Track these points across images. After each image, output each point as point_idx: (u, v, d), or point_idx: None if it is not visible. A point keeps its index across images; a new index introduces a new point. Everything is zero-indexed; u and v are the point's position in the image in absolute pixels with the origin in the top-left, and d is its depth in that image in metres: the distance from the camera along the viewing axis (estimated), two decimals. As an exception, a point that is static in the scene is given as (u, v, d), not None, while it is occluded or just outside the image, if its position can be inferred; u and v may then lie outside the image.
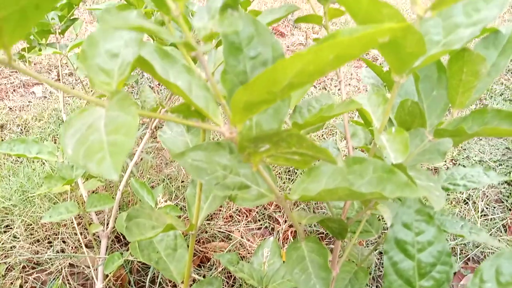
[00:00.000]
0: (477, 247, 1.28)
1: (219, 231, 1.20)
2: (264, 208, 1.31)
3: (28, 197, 1.14)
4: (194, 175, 0.42)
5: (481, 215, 1.42)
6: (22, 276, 0.96)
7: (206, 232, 1.20)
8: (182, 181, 1.29)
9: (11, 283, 0.95)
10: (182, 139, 0.66)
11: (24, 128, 1.55)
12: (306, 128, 0.55)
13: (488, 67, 0.46)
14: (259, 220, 1.27)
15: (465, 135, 0.42)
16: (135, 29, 0.24)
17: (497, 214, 1.45)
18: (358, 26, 0.28)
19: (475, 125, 0.43)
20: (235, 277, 1.09)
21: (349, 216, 0.63)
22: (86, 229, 1.08)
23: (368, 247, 1.21)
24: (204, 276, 1.07)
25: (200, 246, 1.16)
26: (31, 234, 1.05)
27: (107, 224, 0.98)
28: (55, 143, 1.48)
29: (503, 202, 1.54)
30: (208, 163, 0.43)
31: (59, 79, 2.12)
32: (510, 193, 1.55)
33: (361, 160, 0.41)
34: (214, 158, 0.44)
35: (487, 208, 1.47)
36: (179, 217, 1.17)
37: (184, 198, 1.26)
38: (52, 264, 0.99)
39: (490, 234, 1.34)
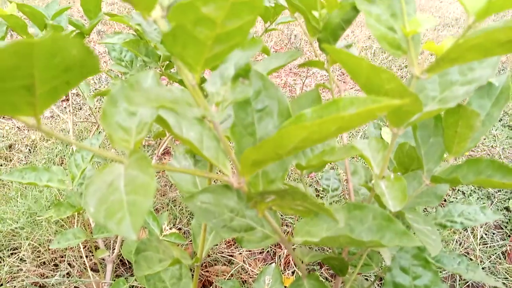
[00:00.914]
0: (478, 274, 1.29)
1: (222, 255, 1.21)
2: (266, 232, 1.32)
3: (35, 220, 1.16)
4: (202, 219, 0.44)
5: (480, 242, 1.43)
6: (27, 299, 0.98)
7: (209, 255, 1.21)
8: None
9: (16, 305, 0.97)
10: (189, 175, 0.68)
11: (32, 148, 1.57)
12: (309, 169, 0.57)
13: (483, 116, 0.49)
14: (261, 245, 1.28)
15: (459, 183, 0.44)
16: (156, 108, 0.27)
17: (497, 241, 1.46)
18: (359, 97, 0.31)
19: (470, 174, 0.45)
20: (237, 302, 1.10)
21: (350, 251, 0.65)
22: (92, 252, 1.10)
23: (368, 273, 1.22)
24: (206, 301, 1.08)
25: (202, 270, 1.17)
26: (38, 257, 1.07)
27: (113, 249, 1.00)
28: (62, 164, 1.51)
29: (502, 229, 1.55)
30: (216, 206, 0.45)
31: (67, 99, 2.16)
32: (509, 219, 1.56)
33: (361, 206, 0.43)
34: (222, 201, 0.46)
35: (486, 235, 1.48)
36: (180, 244, 1.18)
37: (188, 222, 1.28)
38: None
39: (490, 262, 1.35)
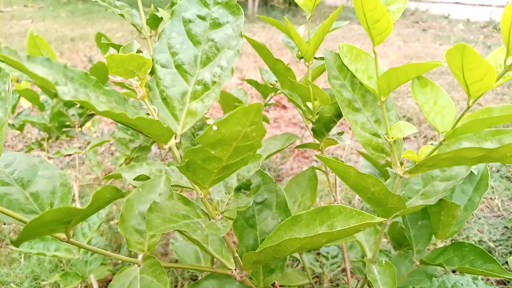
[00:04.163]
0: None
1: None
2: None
3: (38, 283, 1.17)
4: (208, 305, 0.47)
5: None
6: None
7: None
8: (188, 265, 1.32)
9: None
10: (192, 247, 0.71)
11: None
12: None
13: (465, 201, 0.53)
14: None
15: (445, 267, 0.48)
16: (178, 229, 0.31)
17: (500, 300, 1.45)
18: (346, 207, 0.35)
19: (455, 257, 0.49)
20: None
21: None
22: (93, 317, 1.10)
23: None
24: None
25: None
26: (40, 323, 1.07)
27: (115, 315, 1.01)
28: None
29: (505, 284, 1.55)
30: (219, 292, 0.48)
31: (71, 155, 2.21)
32: None
33: (355, 292, 0.46)
34: (225, 286, 0.49)
35: (489, 293, 1.48)
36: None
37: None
38: None
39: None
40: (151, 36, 0.59)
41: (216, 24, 0.36)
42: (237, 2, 0.37)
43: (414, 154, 0.40)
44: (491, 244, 1.74)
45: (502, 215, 1.91)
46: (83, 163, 2.21)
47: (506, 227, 1.81)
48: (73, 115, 1.18)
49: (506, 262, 1.67)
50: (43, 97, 1.22)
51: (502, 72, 0.30)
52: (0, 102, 0.32)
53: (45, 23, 4.69)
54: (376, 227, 0.54)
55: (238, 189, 0.38)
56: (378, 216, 0.47)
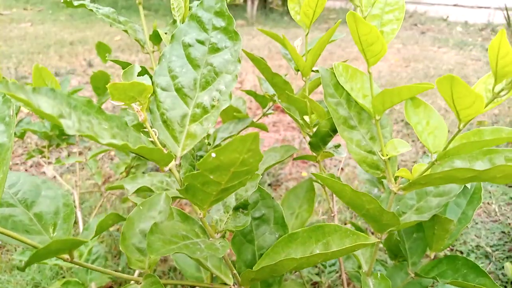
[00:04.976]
0: None
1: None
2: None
3: (39, 291, 1.18)
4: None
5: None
6: None
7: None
8: (187, 271, 1.33)
9: None
10: (193, 256, 0.72)
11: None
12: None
13: (459, 214, 0.54)
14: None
15: (438, 280, 0.49)
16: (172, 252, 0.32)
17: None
18: (341, 227, 0.36)
19: (448, 271, 0.50)
20: None
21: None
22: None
23: None
24: None
25: None
26: (40, 330, 1.08)
27: (115, 323, 1.01)
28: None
29: (502, 291, 1.56)
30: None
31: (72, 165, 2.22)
32: (508, 281, 1.57)
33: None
34: (224, 299, 0.50)
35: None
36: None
37: (189, 289, 1.29)
38: None
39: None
40: (153, 51, 0.60)
41: (214, 49, 0.37)
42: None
43: (408, 172, 0.41)
44: (488, 249, 1.75)
45: (499, 220, 1.92)
46: (83, 168, 2.22)
47: (503, 232, 1.82)
48: (73, 123, 1.18)
49: (503, 267, 1.68)
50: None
51: (491, 98, 0.31)
52: (5, 127, 0.33)
53: (44, 26, 4.70)
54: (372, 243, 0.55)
55: (236, 208, 0.39)
56: (373, 230, 0.48)
